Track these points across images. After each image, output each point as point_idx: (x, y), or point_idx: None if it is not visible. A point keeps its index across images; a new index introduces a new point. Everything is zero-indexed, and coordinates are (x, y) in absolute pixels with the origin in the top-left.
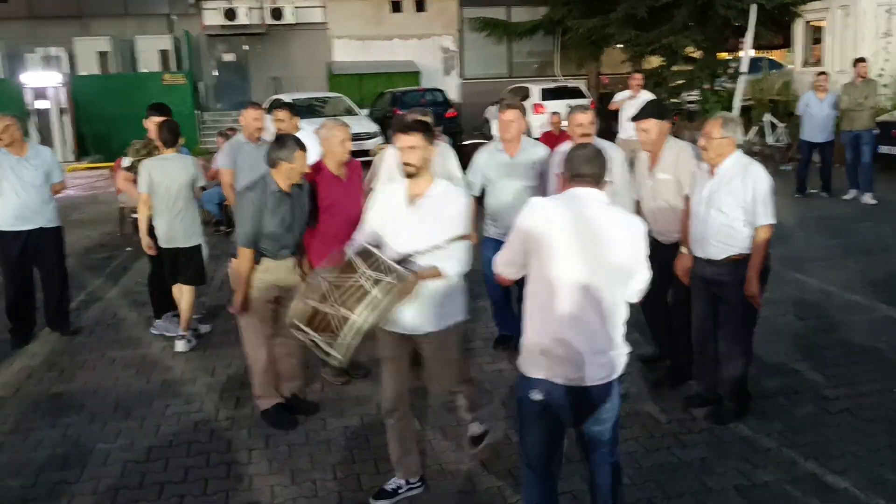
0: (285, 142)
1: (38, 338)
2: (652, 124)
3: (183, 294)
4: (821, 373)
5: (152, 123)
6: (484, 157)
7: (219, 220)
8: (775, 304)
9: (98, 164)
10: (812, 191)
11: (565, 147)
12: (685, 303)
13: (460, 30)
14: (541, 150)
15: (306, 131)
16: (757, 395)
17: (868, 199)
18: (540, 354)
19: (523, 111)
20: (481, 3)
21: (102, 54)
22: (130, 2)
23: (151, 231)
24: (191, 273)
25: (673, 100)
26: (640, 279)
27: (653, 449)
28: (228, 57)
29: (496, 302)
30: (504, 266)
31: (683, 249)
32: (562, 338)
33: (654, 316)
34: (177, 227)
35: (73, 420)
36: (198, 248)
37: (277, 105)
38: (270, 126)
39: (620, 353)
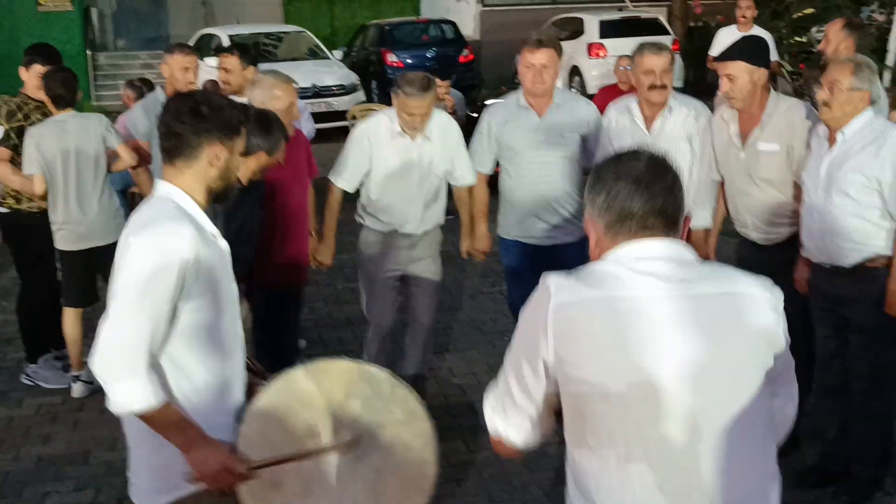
0: (271, 125)
1: None
2: (741, 70)
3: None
4: None
5: (34, 74)
6: (500, 118)
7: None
8: None
9: None
10: None
11: (618, 105)
12: (804, 329)
13: None
14: (584, 107)
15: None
16: None
17: None
18: None
19: (559, 51)
20: None
21: None
22: None
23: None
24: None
25: (797, 38)
26: (790, 393)
27: None
28: None
29: None
30: (504, 418)
31: (802, 252)
32: None
33: None
34: (91, 218)
35: None
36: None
37: (223, 50)
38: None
39: None
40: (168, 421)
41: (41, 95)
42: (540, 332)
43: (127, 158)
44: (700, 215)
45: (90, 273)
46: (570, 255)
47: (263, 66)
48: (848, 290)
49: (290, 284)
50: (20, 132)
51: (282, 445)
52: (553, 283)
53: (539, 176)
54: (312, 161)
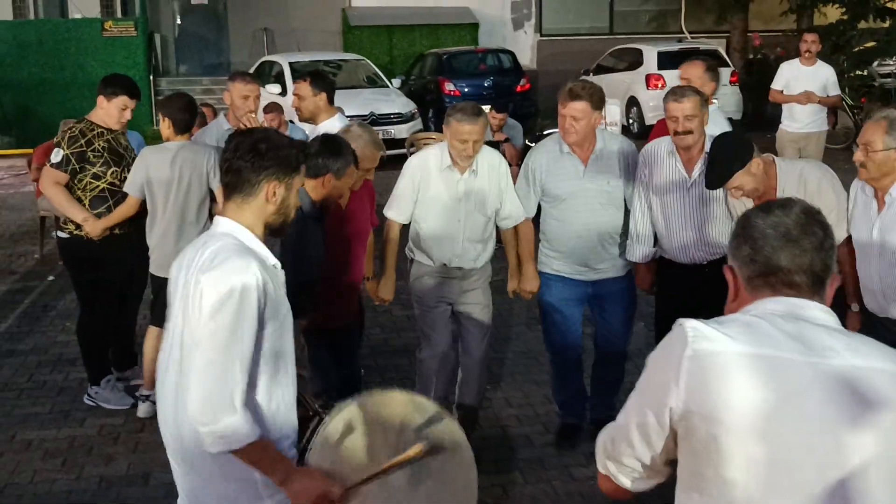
0: (341, 147)
1: None
2: (745, 178)
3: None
4: None
5: (115, 106)
6: (543, 165)
7: None
8: None
9: (8, 150)
10: None
11: (655, 147)
12: None
13: None
14: (626, 148)
15: (337, 124)
16: None
17: None
18: None
19: (596, 101)
20: None
21: None
22: None
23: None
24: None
25: (859, 72)
26: None
27: None
28: None
29: (561, 370)
30: (618, 462)
31: (854, 307)
32: None
33: None
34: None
35: None
36: None
37: (299, 77)
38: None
39: None
40: (265, 454)
41: (109, 123)
42: (671, 380)
43: (219, 200)
44: None
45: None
46: (614, 287)
47: None
48: None
49: (346, 322)
50: (80, 157)
51: (349, 473)
52: (690, 329)
53: (585, 221)
54: (374, 211)
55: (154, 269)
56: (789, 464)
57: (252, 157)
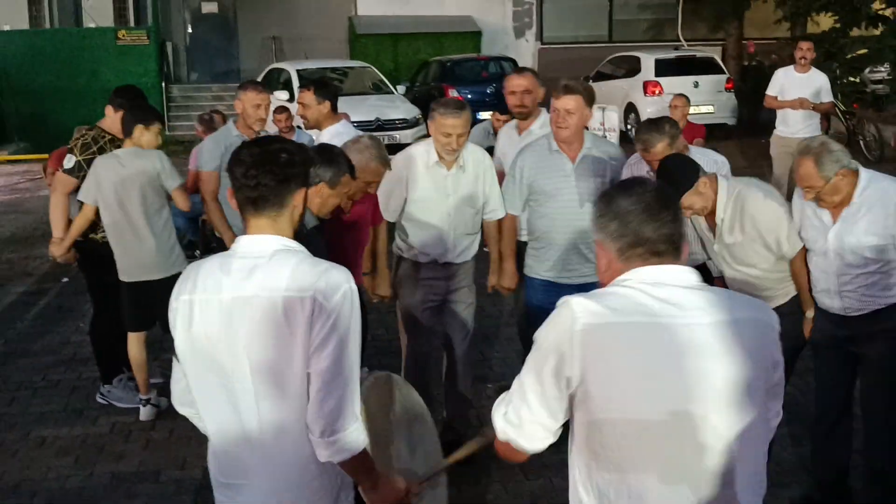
0: (334, 156)
1: None
2: (693, 198)
3: (137, 343)
4: None
5: (115, 115)
6: (532, 163)
7: (192, 242)
8: None
9: (24, 155)
10: None
11: (637, 160)
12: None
13: None
14: (613, 151)
15: (342, 132)
16: None
17: None
18: None
19: (588, 98)
20: None
21: (34, 1)
22: None
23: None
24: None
25: (851, 78)
26: (777, 408)
27: None
28: (209, 8)
29: None
30: (518, 427)
31: (808, 313)
32: None
33: None
34: (146, 252)
35: None
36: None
37: (305, 84)
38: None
39: None
40: (367, 461)
41: (116, 132)
42: (565, 352)
43: (180, 203)
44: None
45: (148, 301)
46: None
47: None
48: (864, 328)
49: None
50: (91, 164)
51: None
52: (577, 305)
53: (573, 219)
54: (378, 210)
55: (122, 275)
56: (692, 419)
57: (279, 170)
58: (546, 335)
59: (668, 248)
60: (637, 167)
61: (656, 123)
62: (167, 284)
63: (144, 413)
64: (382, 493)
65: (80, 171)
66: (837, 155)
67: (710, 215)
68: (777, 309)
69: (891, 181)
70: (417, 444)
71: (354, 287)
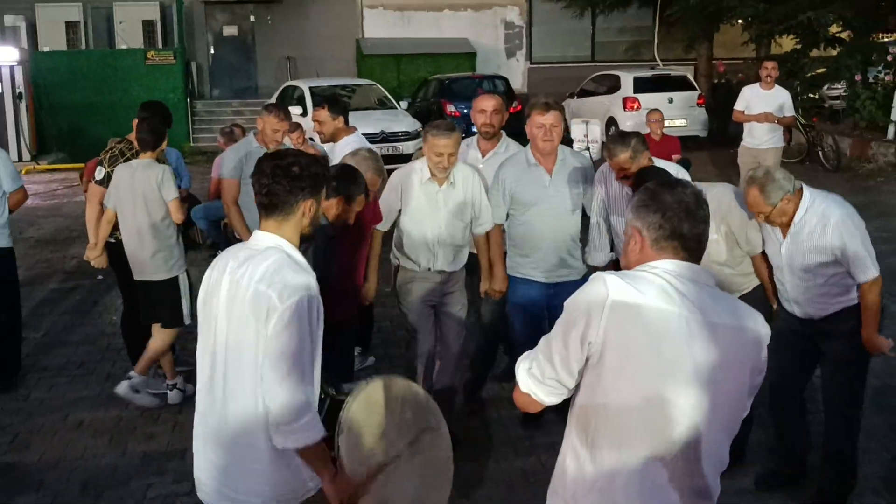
0: (356, 177)
1: None
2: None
3: (155, 335)
4: None
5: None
6: (512, 176)
7: (215, 243)
8: None
9: (63, 164)
10: None
11: (607, 168)
12: None
13: None
14: (583, 162)
15: (356, 142)
16: None
17: None
18: None
19: (563, 112)
20: None
21: (71, 25)
22: None
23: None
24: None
25: (811, 95)
26: (749, 405)
27: None
28: (230, 31)
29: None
30: (540, 382)
31: (774, 305)
32: None
33: None
34: (146, 255)
35: (29, 501)
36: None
37: (318, 100)
38: (287, 140)
39: None
40: (322, 453)
41: None
42: (594, 317)
43: (173, 214)
44: None
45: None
46: (574, 290)
47: None
48: (822, 328)
49: (347, 317)
50: None
51: (367, 451)
52: (610, 280)
53: (550, 226)
54: (378, 212)
55: (143, 275)
56: (669, 394)
57: (288, 180)
58: (578, 303)
59: (696, 247)
60: (609, 175)
61: (623, 136)
62: (166, 286)
63: (172, 397)
64: (337, 485)
65: (108, 182)
66: (780, 183)
67: None
68: (745, 296)
69: (830, 202)
70: (420, 452)
71: (312, 294)
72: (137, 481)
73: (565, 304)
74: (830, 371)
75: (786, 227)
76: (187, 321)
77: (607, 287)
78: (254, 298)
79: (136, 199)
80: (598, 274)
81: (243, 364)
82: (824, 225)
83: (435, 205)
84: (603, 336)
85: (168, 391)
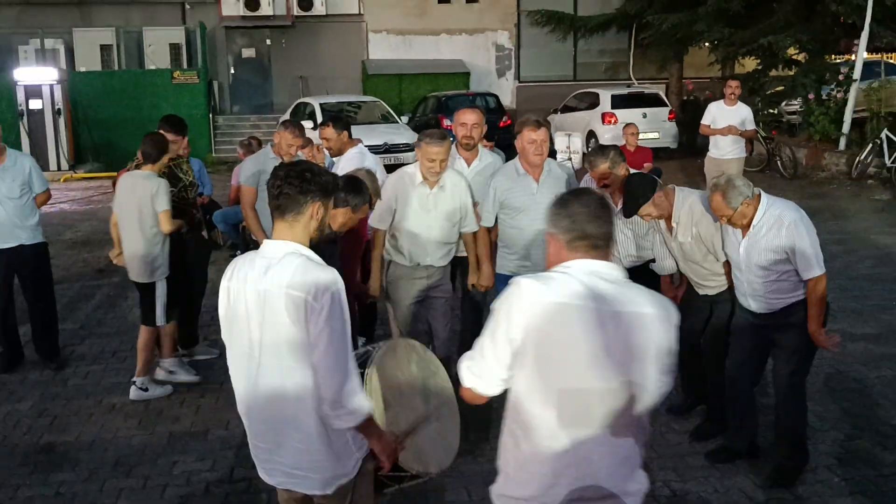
0: (360, 188)
1: (26, 381)
2: (650, 208)
3: (140, 335)
4: None
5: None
6: (504, 185)
7: (235, 244)
8: (894, 360)
9: (97, 173)
10: None
11: (589, 179)
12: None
13: (517, 24)
14: (565, 171)
15: (361, 153)
16: (873, 472)
17: None
18: None
19: (549, 129)
20: None
21: (105, 48)
22: None
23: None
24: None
25: (770, 110)
26: (670, 380)
27: None
28: (248, 53)
29: None
30: (479, 377)
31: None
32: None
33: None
34: (132, 258)
35: (67, 477)
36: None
37: (326, 117)
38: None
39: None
40: (373, 423)
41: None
42: (514, 317)
43: (163, 224)
44: (670, 264)
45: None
46: None
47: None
48: (775, 321)
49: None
50: None
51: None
52: (525, 284)
53: (537, 229)
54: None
55: (132, 275)
56: (587, 378)
57: (299, 183)
58: (501, 305)
59: (604, 244)
60: (592, 185)
61: (603, 149)
62: (145, 289)
63: (133, 392)
64: (383, 444)
65: None
66: (740, 189)
67: (668, 220)
68: (718, 296)
69: (785, 207)
70: (433, 395)
71: (340, 287)
72: (164, 459)
73: (492, 306)
74: (782, 360)
75: (745, 228)
76: (159, 322)
77: (522, 290)
78: (288, 303)
79: (132, 206)
80: (515, 279)
81: (283, 362)
82: (779, 227)
83: (426, 206)
84: (523, 333)
85: (133, 385)
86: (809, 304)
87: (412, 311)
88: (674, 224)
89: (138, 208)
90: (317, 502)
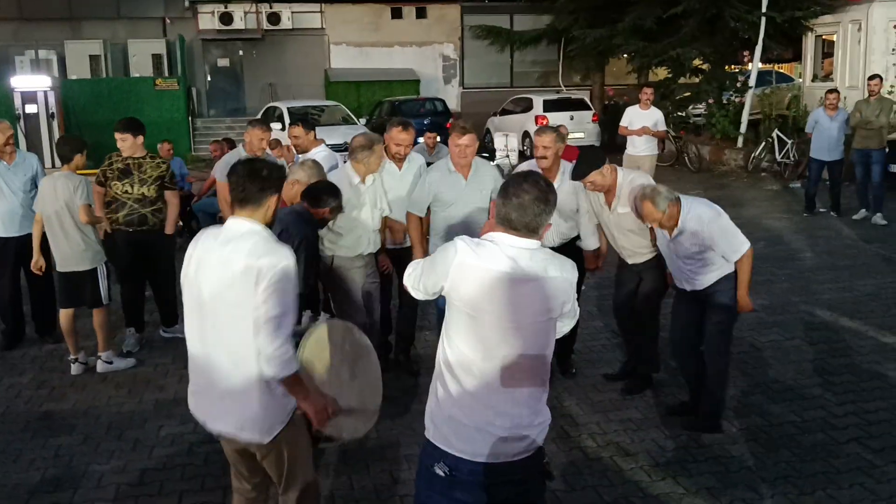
0: (338, 194)
1: (27, 356)
2: (604, 173)
3: (94, 317)
4: (829, 399)
5: (119, 141)
6: (437, 179)
7: None
8: (783, 326)
9: (88, 171)
10: (821, 210)
11: (527, 166)
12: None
13: (461, 38)
14: (491, 170)
15: (330, 153)
16: (764, 422)
17: (879, 219)
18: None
19: (477, 134)
20: (483, 11)
21: (94, 58)
22: (123, 4)
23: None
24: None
25: (679, 113)
26: (571, 319)
27: (658, 478)
28: (223, 62)
29: None
30: (414, 287)
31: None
32: (482, 415)
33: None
34: (63, 250)
35: (65, 441)
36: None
37: (294, 119)
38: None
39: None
40: (298, 380)
41: (127, 154)
42: (449, 269)
43: (82, 216)
44: (593, 242)
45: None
46: None
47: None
48: (705, 294)
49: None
50: (104, 175)
51: (319, 380)
52: (460, 245)
53: (465, 219)
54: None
55: (72, 266)
56: (491, 329)
57: (261, 180)
58: (439, 253)
59: (524, 229)
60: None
61: (550, 127)
62: (89, 274)
63: (74, 368)
64: (314, 403)
65: (105, 183)
66: (664, 194)
67: (609, 193)
68: (645, 263)
69: (701, 205)
70: (359, 374)
71: (292, 263)
72: (151, 423)
73: (438, 248)
74: (712, 322)
75: (671, 228)
76: (106, 301)
77: (457, 249)
78: (244, 271)
79: (58, 204)
80: (455, 239)
81: (230, 319)
82: (700, 223)
83: (363, 200)
84: (450, 284)
85: (77, 362)
86: (739, 277)
87: (358, 297)
88: (616, 194)
89: (66, 205)
90: (254, 451)
